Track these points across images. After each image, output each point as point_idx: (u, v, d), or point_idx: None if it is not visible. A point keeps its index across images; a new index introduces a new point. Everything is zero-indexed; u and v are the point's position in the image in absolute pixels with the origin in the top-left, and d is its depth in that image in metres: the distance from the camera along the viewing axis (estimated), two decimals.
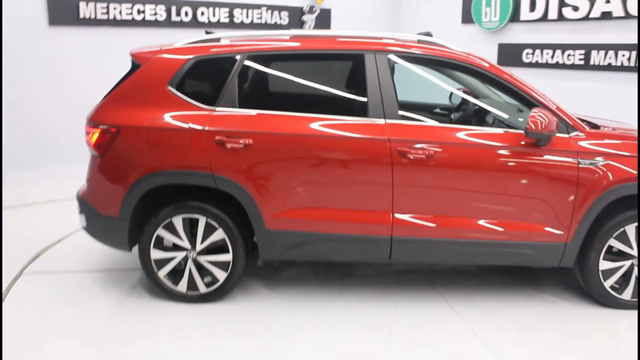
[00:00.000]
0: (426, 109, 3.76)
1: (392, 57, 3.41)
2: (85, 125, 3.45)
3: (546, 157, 3.28)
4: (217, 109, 3.31)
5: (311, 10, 6.83)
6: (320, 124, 3.30)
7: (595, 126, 3.62)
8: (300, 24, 6.86)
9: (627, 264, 3.43)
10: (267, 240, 3.37)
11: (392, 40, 3.53)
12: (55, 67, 5.53)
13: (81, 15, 5.51)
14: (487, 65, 3.45)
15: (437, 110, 3.75)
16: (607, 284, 3.45)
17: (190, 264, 3.41)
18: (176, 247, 3.42)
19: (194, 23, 6.06)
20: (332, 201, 3.33)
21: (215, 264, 3.42)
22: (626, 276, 3.46)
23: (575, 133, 3.36)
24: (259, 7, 6.47)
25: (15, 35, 5.26)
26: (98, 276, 3.86)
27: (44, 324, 3.26)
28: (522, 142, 3.28)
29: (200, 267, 3.44)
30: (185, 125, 3.27)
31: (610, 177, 3.29)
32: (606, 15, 5.42)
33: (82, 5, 5.49)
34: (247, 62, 3.39)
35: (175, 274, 3.46)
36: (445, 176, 3.30)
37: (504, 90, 3.47)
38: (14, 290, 3.65)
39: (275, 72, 3.60)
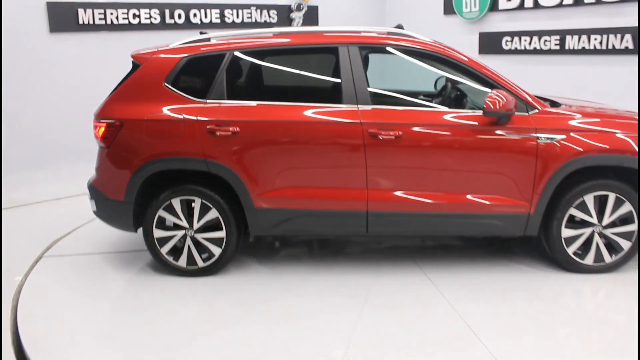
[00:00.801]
0: (397, 94, 4.02)
1: (363, 48, 3.69)
2: (93, 121, 3.80)
3: (507, 134, 3.52)
4: (208, 101, 3.64)
5: (299, 7, 7.00)
6: (300, 111, 3.60)
7: (556, 104, 3.89)
8: (289, 22, 7.04)
9: (587, 231, 3.66)
10: (256, 218, 3.69)
11: (364, 33, 3.82)
12: (57, 71, 5.68)
13: (80, 22, 5.67)
14: (443, 49, 3.67)
15: (407, 95, 4.00)
16: (570, 250, 3.68)
17: (188, 241, 3.74)
18: (176, 227, 3.75)
19: (187, 24, 6.24)
20: (313, 180, 3.62)
21: (211, 240, 3.74)
22: (587, 243, 3.68)
23: (534, 111, 3.60)
24: (248, 7, 6.66)
25: (18, 43, 5.43)
26: (110, 257, 4.22)
27: (63, 298, 3.63)
28: (486, 122, 3.53)
29: (197, 244, 3.76)
30: (180, 117, 3.60)
31: (567, 151, 3.50)
32: (579, 2, 5.68)
33: (80, 12, 5.65)
34: (233, 59, 3.70)
35: (176, 251, 3.80)
36: (414, 154, 3.56)
37: (463, 72, 3.69)
38: (35, 269, 4.05)
39: (259, 66, 3.92)
